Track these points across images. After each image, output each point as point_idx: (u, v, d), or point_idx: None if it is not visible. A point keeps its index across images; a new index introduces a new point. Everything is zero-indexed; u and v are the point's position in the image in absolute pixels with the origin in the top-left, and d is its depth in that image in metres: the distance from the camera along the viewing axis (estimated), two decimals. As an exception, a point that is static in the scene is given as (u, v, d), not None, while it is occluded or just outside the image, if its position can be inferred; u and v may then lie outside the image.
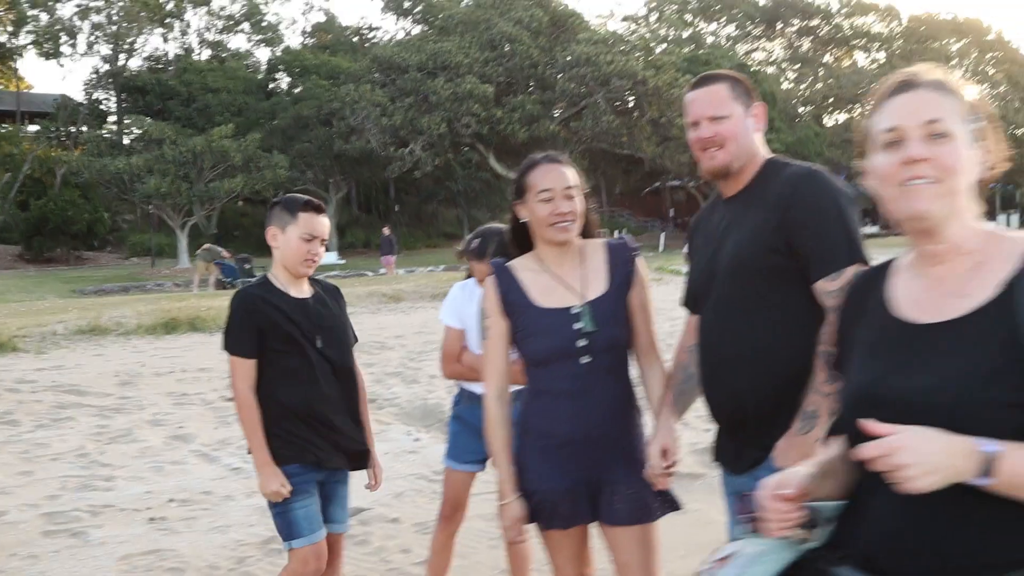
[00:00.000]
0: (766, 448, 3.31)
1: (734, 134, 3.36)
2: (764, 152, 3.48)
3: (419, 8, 65.35)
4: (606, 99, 50.74)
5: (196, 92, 59.75)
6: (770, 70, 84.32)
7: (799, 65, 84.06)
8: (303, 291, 4.36)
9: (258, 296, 4.24)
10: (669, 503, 3.74)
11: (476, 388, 4.83)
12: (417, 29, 66.80)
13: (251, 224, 56.80)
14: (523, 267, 3.80)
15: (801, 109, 76.80)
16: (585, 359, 3.61)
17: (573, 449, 3.64)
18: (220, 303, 20.45)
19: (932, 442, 1.90)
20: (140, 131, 49.15)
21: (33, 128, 58.63)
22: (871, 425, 1.95)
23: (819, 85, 78.31)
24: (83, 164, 46.55)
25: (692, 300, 3.67)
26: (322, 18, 79.98)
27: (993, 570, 1.93)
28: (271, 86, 67.23)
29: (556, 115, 52.64)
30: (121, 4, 59.21)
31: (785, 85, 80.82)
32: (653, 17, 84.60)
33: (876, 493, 2.06)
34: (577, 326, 3.62)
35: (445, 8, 60.31)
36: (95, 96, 62.73)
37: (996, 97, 77.81)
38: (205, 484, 7.87)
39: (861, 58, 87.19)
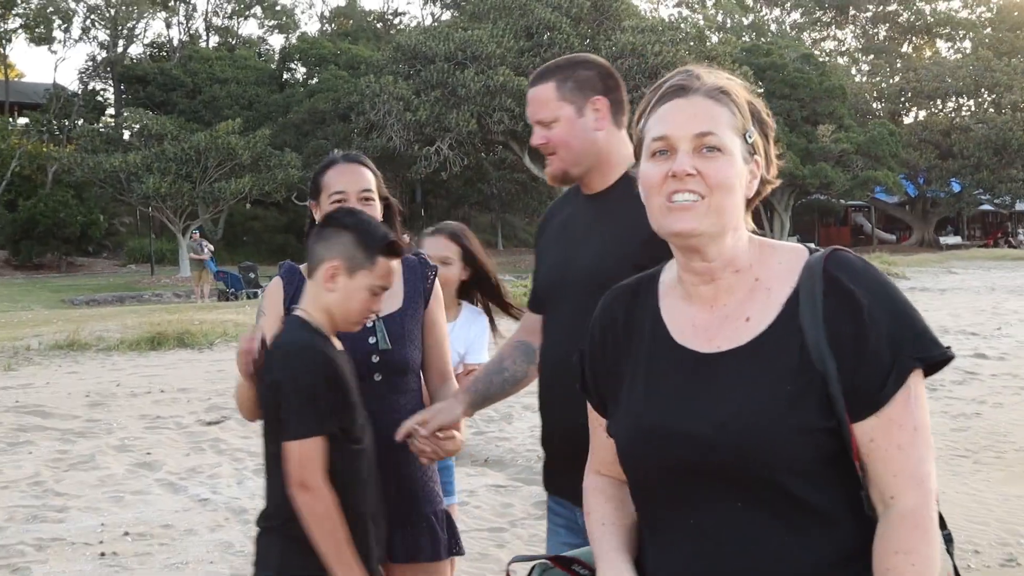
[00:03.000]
0: None
1: (563, 140, 3.35)
2: (624, 150, 3.39)
3: (449, -9, 65.55)
4: (654, 93, 50.64)
5: (202, 83, 60.21)
6: (841, 61, 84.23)
7: (873, 56, 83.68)
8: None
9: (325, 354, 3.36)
10: (454, 545, 3.79)
11: None
12: (447, 15, 67.11)
13: (261, 229, 57.14)
14: None
15: (875, 105, 76.31)
16: (378, 377, 3.63)
17: None
18: (215, 316, 20.59)
19: None
20: (139, 126, 49.38)
21: (23, 121, 59.11)
22: None
23: (896, 78, 77.86)
24: (75, 161, 46.74)
25: (537, 302, 3.65)
26: (342, 2, 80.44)
27: None
28: (285, 77, 67.65)
29: (599, 110, 52.53)
30: (120, -16, 59.78)
31: (857, 78, 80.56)
32: (710, 2, 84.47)
33: (659, 536, 2.18)
34: (372, 340, 3.64)
35: (478, -9, 60.47)
36: (91, 86, 63.48)
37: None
38: (166, 517, 7.92)
39: (944, 48, 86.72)
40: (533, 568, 2.41)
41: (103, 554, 7.04)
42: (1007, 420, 10.99)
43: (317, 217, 3.77)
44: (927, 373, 2.03)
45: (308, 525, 3.17)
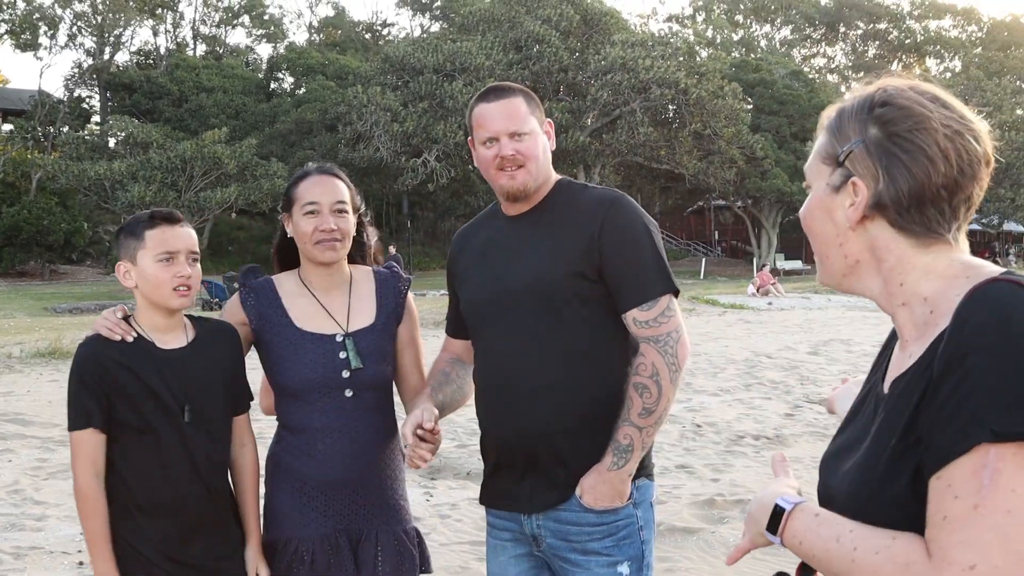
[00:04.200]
0: (567, 486, 3.37)
1: (534, 154, 3.42)
2: (553, 172, 3.57)
3: (438, 3, 65.75)
4: (643, 108, 50.78)
5: (189, 91, 60.32)
6: (831, 78, 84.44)
7: (863, 73, 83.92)
8: (177, 339, 3.70)
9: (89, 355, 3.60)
10: (426, 559, 3.80)
11: None
12: (436, 26, 67.24)
13: (247, 239, 57.07)
14: (284, 284, 3.82)
15: (864, 123, 76.58)
16: (349, 392, 3.64)
17: (332, 493, 3.64)
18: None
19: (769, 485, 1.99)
20: (124, 133, 49.37)
21: (8, 127, 58.98)
22: None
23: (885, 96, 78.06)
24: (60, 168, 46.67)
25: (460, 326, 3.73)
26: (331, 12, 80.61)
27: None
28: (272, 86, 67.87)
29: (587, 124, 52.67)
30: (107, -9, 59.76)
31: (847, 95, 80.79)
32: (700, 17, 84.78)
33: None
34: (343, 355, 3.64)
35: (467, 4, 60.58)
36: (77, 93, 63.42)
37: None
38: (146, 527, 7.87)
39: (934, 67, 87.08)
40: None
41: (81, 563, 7.00)
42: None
43: (290, 230, 3.75)
44: None
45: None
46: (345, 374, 3.63)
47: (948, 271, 1.90)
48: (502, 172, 3.42)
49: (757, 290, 38.02)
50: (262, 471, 3.81)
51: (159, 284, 3.55)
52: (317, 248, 3.64)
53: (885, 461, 1.84)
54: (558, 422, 3.35)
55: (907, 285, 1.95)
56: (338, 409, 3.62)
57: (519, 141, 3.40)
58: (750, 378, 15.64)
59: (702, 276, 53.44)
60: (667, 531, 7.28)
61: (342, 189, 3.74)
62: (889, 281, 1.97)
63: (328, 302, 3.74)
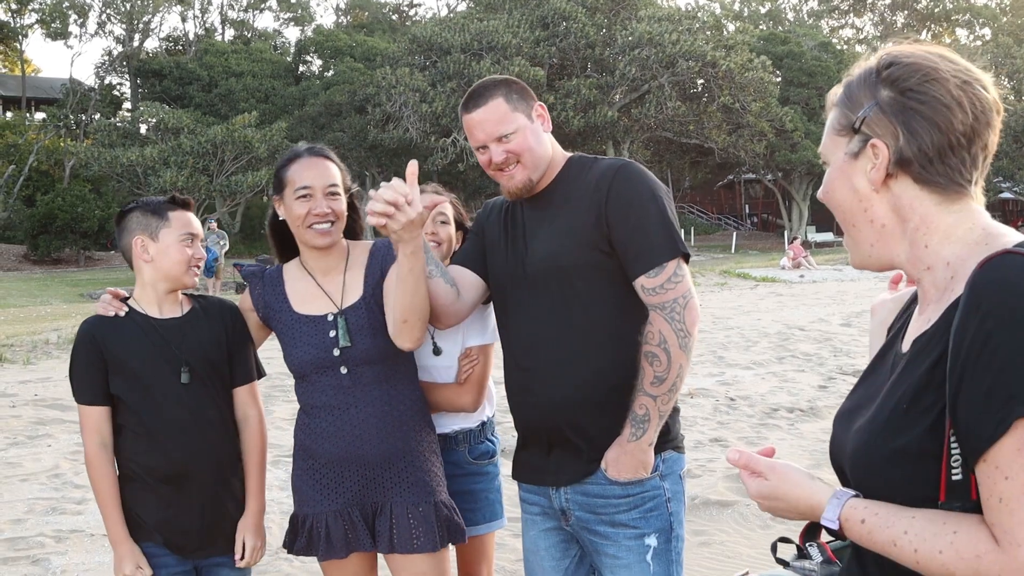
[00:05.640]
0: (591, 460, 3.39)
1: (527, 147, 3.43)
2: (559, 150, 3.59)
3: (465, -18, 65.48)
4: (671, 83, 50.54)
5: (218, 76, 60.40)
6: (859, 49, 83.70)
7: (892, 43, 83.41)
8: (173, 311, 3.93)
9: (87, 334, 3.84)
10: (455, 531, 3.79)
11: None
12: (462, 6, 67.11)
13: (278, 222, 57.16)
14: (290, 270, 3.87)
15: (894, 93, 76.04)
16: (344, 370, 3.67)
17: (341, 470, 3.69)
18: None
19: (786, 485, 1.99)
20: (155, 120, 49.50)
21: (40, 116, 59.27)
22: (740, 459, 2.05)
23: (915, 66, 77.48)
24: (92, 155, 46.77)
25: (468, 259, 3.75)
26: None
27: None
28: (301, 69, 67.91)
29: (615, 100, 52.48)
30: (136, -21, 59.97)
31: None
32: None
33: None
34: (332, 334, 3.67)
35: (493, -18, 60.41)
36: (107, 81, 63.63)
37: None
38: (184, 508, 7.93)
39: (963, 35, 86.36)
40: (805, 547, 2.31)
41: (122, 545, 7.07)
42: None
43: (281, 213, 3.78)
44: None
45: None
46: (336, 352, 3.67)
47: (970, 236, 1.92)
48: (501, 173, 3.47)
49: (791, 262, 37.89)
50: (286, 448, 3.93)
51: (179, 261, 3.82)
52: (310, 232, 3.67)
53: (895, 417, 1.86)
54: (578, 396, 3.37)
55: (931, 247, 1.95)
56: (336, 387, 3.68)
57: (507, 142, 3.41)
58: (783, 351, 15.62)
59: (733, 250, 53.29)
60: (701, 504, 7.28)
61: (334, 171, 3.76)
62: (915, 244, 1.97)
63: (326, 283, 3.78)
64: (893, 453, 1.85)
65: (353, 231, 3.88)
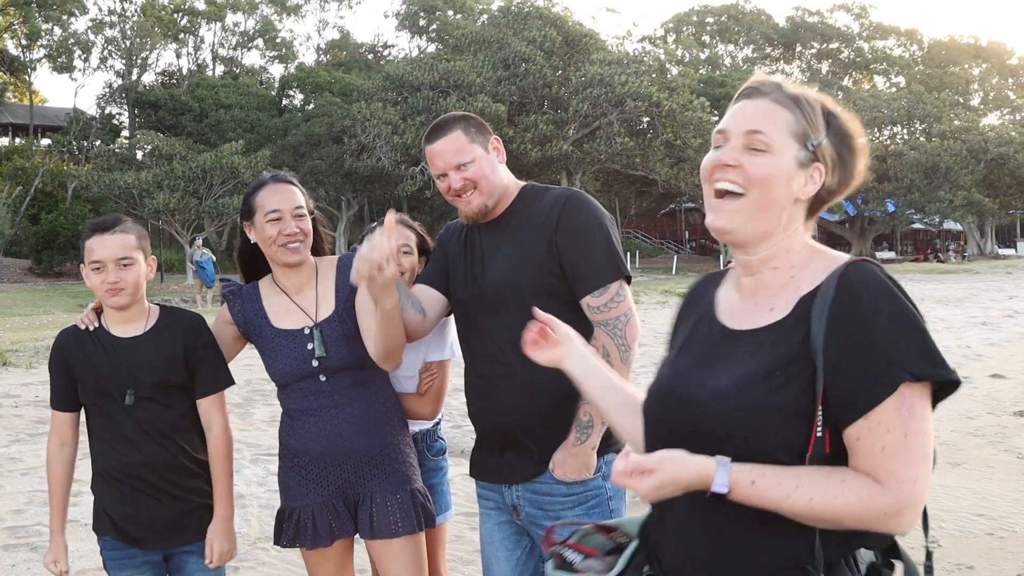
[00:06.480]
0: (540, 461, 3.42)
1: (483, 175, 3.47)
2: (513, 180, 3.62)
3: (434, 27, 65.62)
4: (620, 120, 50.69)
5: (208, 108, 60.10)
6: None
7: (818, 88, 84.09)
8: (134, 328, 3.76)
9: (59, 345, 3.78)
10: (428, 517, 3.79)
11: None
12: (431, 47, 67.09)
13: (262, 241, 56.92)
14: (264, 287, 3.86)
15: (819, 132, 76.65)
16: (322, 378, 3.69)
17: (324, 465, 3.70)
18: (212, 319, 20.46)
19: (675, 468, 1.98)
20: (151, 146, 49.25)
21: (46, 142, 58.90)
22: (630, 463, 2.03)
23: (837, 109, 78.22)
24: (93, 178, 46.67)
25: (431, 278, 3.76)
26: (337, 35, 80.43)
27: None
28: (284, 103, 67.64)
29: (569, 135, 52.61)
30: (135, 19, 59.77)
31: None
32: (671, 39, 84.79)
33: (672, 505, 2.10)
34: (310, 347, 3.69)
35: (460, 27, 60.52)
36: (107, 110, 63.23)
37: (1018, 123, 77.65)
38: (172, 501, 7.86)
39: (880, 82, 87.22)
40: (573, 533, 2.39)
41: (114, 535, 7.01)
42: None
43: (252, 237, 3.76)
44: (936, 398, 1.95)
45: None
46: (315, 363, 3.68)
47: (806, 249, 2.16)
48: (459, 199, 3.50)
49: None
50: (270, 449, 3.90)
51: (95, 287, 3.65)
52: (282, 251, 3.67)
53: (772, 378, 1.99)
54: (530, 404, 3.40)
55: (790, 252, 2.15)
56: (316, 392, 3.70)
57: (465, 171, 3.44)
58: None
59: (674, 272, 53.41)
60: (641, 502, 7.26)
61: (298, 195, 3.76)
62: (781, 247, 2.15)
63: (300, 299, 3.78)
64: (776, 406, 1.97)
65: (318, 248, 3.88)
